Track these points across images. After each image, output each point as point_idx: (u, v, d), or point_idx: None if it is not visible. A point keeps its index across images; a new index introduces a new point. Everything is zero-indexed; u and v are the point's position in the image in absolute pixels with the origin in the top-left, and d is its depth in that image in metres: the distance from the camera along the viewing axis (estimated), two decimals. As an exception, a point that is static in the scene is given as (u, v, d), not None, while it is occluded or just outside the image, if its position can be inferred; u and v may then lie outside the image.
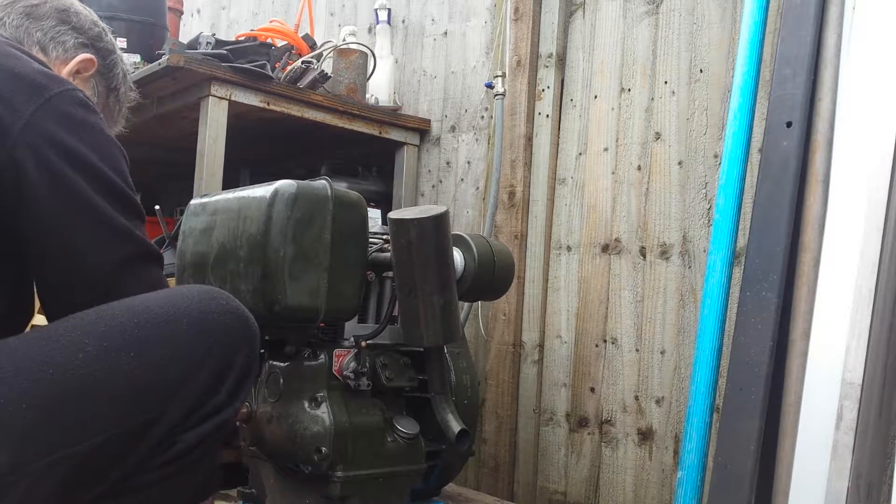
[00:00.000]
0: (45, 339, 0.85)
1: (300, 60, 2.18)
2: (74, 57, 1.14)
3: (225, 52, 2.00)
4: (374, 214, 2.15)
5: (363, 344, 1.41)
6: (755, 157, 1.57)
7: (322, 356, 1.39)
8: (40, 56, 1.10)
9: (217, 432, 0.93)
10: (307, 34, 2.44)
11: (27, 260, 0.98)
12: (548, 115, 2.06)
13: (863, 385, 1.25)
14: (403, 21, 2.59)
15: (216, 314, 0.94)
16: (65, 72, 1.12)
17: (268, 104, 2.07)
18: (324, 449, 1.32)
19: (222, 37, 2.19)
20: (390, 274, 1.48)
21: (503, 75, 2.12)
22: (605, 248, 1.93)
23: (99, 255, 0.91)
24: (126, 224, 0.94)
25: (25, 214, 0.90)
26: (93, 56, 1.16)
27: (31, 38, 1.11)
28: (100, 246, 0.91)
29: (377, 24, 2.55)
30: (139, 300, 0.91)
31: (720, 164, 1.57)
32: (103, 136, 0.96)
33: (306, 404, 1.37)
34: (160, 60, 1.94)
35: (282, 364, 1.43)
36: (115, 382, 0.85)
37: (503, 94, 2.11)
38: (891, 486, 1.29)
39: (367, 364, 1.40)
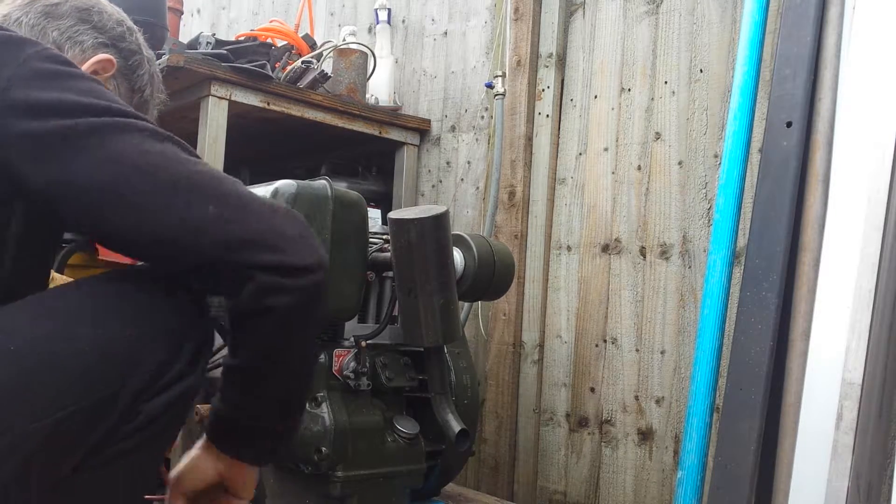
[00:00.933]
0: (3, 314, 0.85)
1: (300, 60, 2.18)
2: (92, 57, 1.11)
3: (225, 52, 2.00)
4: (374, 214, 2.15)
5: (363, 344, 1.41)
6: (755, 157, 1.57)
7: (322, 356, 1.39)
8: None
9: (181, 400, 0.93)
10: (307, 34, 2.44)
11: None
12: (548, 115, 2.06)
13: (863, 385, 1.25)
14: (403, 21, 2.59)
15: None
16: None
17: (268, 104, 2.07)
18: (324, 449, 1.32)
19: (222, 37, 2.19)
20: (390, 274, 1.48)
21: (503, 75, 2.12)
22: (605, 248, 1.93)
23: (142, 157, 0.87)
24: (147, 122, 0.91)
25: (37, 189, 0.87)
26: (112, 56, 1.12)
27: (47, 37, 1.08)
28: (131, 149, 0.88)
29: (377, 24, 2.55)
30: (94, 280, 0.93)
31: (720, 164, 1.57)
32: (83, 78, 0.93)
33: (306, 404, 1.37)
34: (160, 60, 1.94)
35: (282, 364, 1.42)
36: (75, 355, 0.85)
37: (503, 94, 2.11)
38: (891, 486, 1.29)
39: (367, 364, 1.40)
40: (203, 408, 1.37)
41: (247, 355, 0.94)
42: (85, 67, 1.10)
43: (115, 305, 0.91)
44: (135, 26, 1.20)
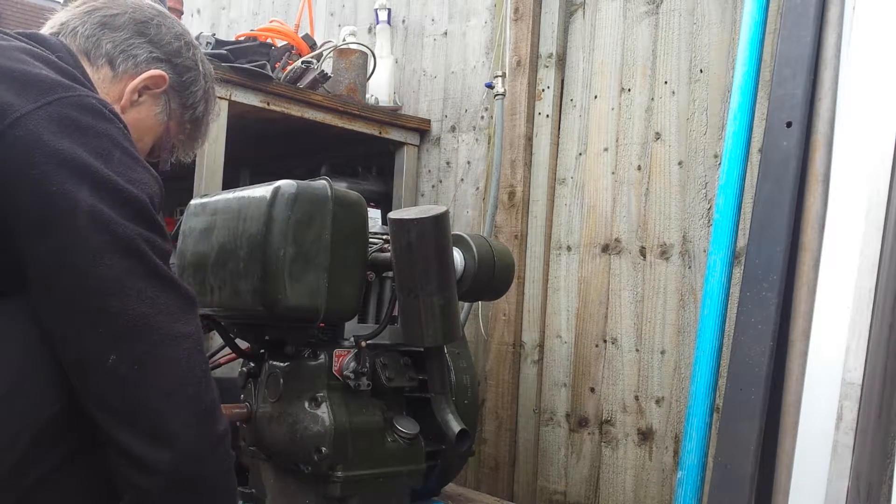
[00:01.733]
0: None
1: (300, 60, 2.18)
2: (144, 72, 1.08)
3: (225, 52, 1.99)
4: (374, 214, 2.15)
5: (363, 344, 1.41)
6: (755, 157, 1.57)
7: (322, 356, 1.39)
8: (105, 69, 1.06)
9: None
10: (307, 34, 2.44)
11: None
12: (548, 115, 2.06)
13: (863, 385, 1.25)
14: (403, 21, 2.59)
15: None
16: (130, 87, 1.07)
17: (268, 104, 2.07)
18: (324, 449, 1.32)
19: (222, 37, 2.19)
20: (390, 274, 1.48)
21: (503, 75, 2.12)
22: (605, 248, 1.93)
23: (109, 285, 0.83)
24: (134, 230, 0.86)
25: (12, 230, 0.84)
26: (164, 72, 1.10)
27: (100, 49, 1.06)
28: (103, 268, 0.83)
29: (377, 24, 2.55)
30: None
31: (720, 164, 1.57)
32: (113, 144, 0.89)
33: (306, 404, 1.37)
34: (160, 60, 1.93)
35: (282, 364, 1.43)
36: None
37: (503, 94, 2.11)
38: (891, 486, 1.29)
39: (367, 364, 1.40)
40: None
41: None
42: (136, 82, 1.08)
43: None
44: (195, 41, 1.17)
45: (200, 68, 1.17)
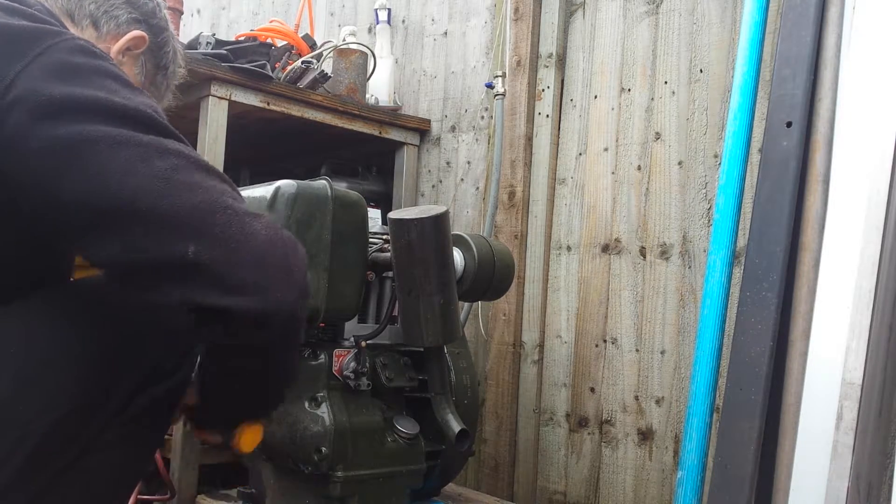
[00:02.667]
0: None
1: (300, 60, 2.18)
2: (126, 33, 1.10)
3: (225, 52, 1.99)
4: (374, 214, 2.15)
5: (363, 344, 1.41)
6: (755, 157, 1.57)
7: (322, 356, 1.39)
8: (90, 30, 1.07)
9: (168, 396, 0.97)
10: (307, 34, 2.44)
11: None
12: (548, 115, 2.06)
13: (863, 385, 1.25)
14: (403, 21, 2.59)
15: None
16: (115, 48, 1.09)
17: (268, 104, 2.07)
18: (324, 449, 1.32)
19: (222, 37, 2.19)
20: (390, 274, 1.48)
21: (503, 75, 2.12)
22: (605, 248, 1.93)
23: (134, 180, 0.79)
24: (162, 140, 0.84)
25: (28, 180, 0.82)
26: (144, 33, 1.12)
27: (84, 10, 1.07)
28: (130, 170, 0.80)
29: (377, 24, 2.55)
30: (88, 282, 0.93)
31: (720, 164, 1.57)
32: (111, 76, 0.88)
33: (306, 404, 1.37)
34: (160, 60, 1.93)
35: (282, 364, 1.43)
36: (71, 359, 0.88)
37: (503, 94, 2.11)
38: (891, 486, 1.29)
39: (367, 364, 1.40)
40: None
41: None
42: (120, 43, 1.09)
43: (109, 310, 0.92)
44: (162, 1, 1.19)
45: (169, 29, 1.19)
